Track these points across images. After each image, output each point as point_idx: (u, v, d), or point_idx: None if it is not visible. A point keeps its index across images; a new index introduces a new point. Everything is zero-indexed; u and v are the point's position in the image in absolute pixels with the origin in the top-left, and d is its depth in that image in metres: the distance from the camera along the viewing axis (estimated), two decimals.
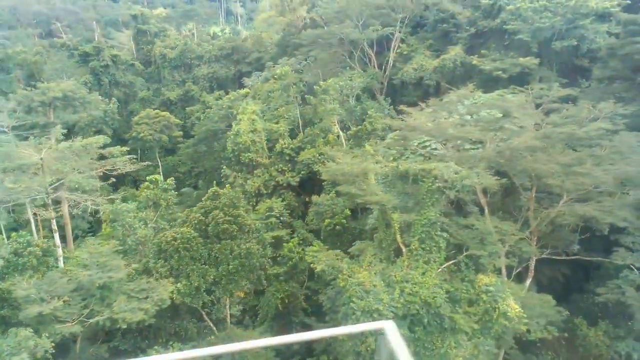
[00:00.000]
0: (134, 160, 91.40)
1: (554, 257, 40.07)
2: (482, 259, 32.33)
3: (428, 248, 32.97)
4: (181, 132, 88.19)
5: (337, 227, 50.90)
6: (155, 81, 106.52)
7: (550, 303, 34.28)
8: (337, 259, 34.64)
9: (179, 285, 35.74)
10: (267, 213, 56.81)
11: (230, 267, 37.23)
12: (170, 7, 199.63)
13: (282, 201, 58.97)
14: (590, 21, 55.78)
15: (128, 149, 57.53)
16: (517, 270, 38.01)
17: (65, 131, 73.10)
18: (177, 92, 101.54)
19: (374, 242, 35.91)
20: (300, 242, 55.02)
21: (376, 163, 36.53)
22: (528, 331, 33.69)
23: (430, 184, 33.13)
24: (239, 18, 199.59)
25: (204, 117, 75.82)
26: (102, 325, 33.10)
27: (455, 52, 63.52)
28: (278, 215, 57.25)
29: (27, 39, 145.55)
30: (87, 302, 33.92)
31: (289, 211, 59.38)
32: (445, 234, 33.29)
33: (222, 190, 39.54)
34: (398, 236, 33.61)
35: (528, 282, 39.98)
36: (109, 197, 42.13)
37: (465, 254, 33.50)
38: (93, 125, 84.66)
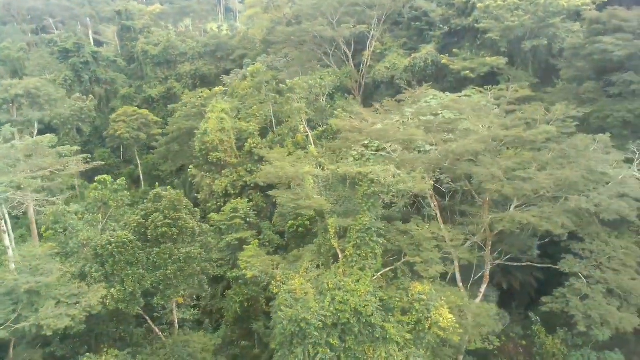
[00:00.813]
0: (112, 156, 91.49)
1: (508, 264, 39.21)
2: (416, 266, 31.24)
3: (364, 254, 31.93)
4: (160, 130, 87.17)
5: (300, 229, 49.84)
6: (138, 78, 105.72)
7: (489, 312, 33.11)
8: (273, 265, 33.60)
9: (112, 290, 34.77)
10: (232, 214, 55.73)
11: (168, 271, 36.25)
12: (168, 3, 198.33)
13: (249, 202, 57.87)
14: (561, 20, 54.42)
15: (79, 148, 56.42)
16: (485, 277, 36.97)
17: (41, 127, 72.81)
18: (159, 90, 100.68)
19: (314, 247, 34.88)
20: (267, 243, 54.12)
21: (319, 166, 35.45)
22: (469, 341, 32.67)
23: (366, 188, 32.05)
24: (238, 14, 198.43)
25: (176, 116, 74.83)
26: (29, 331, 32.16)
27: (426, 51, 62.28)
28: (244, 216, 56.14)
29: (16, 35, 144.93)
30: (16, 307, 33.04)
31: (255, 212, 58.24)
32: (381, 240, 32.24)
33: (164, 193, 38.53)
34: (334, 242, 32.57)
35: (483, 288, 38.95)
36: (53, 198, 40.99)
37: (403, 260, 32.45)
38: (69, 123, 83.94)
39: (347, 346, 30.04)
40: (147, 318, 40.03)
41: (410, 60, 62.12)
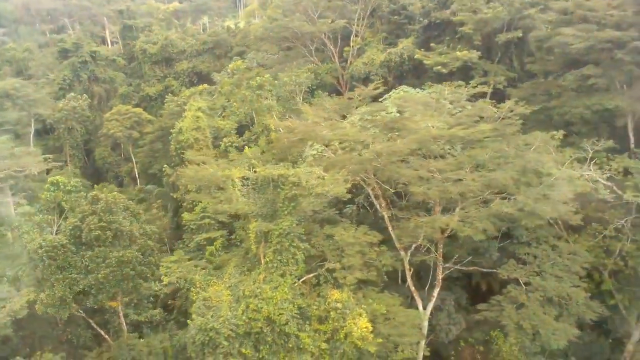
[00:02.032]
0: (112, 154, 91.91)
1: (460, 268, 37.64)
2: (336, 272, 30.00)
3: (285, 260, 30.85)
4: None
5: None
6: (137, 77, 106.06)
7: (414, 319, 31.59)
8: (196, 270, 32.75)
9: (42, 295, 34.44)
10: (202, 214, 55.03)
11: (100, 275, 35.75)
12: (187, 0, 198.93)
13: None
14: (538, 10, 51.94)
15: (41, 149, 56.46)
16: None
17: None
18: (157, 88, 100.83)
19: (242, 252, 33.92)
20: (238, 243, 53.37)
21: (250, 168, 34.42)
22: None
23: (287, 190, 30.91)
24: (255, 11, 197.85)
25: (160, 114, 74.71)
26: None
27: (402, 46, 60.46)
28: (213, 215, 55.37)
29: (29, 36, 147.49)
30: None
31: None
32: (303, 245, 31.08)
33: (101, 195, 38.02)
34: (254, 247, 31.53)
35: (436, 292, 37.48)
36: None
37: (326, 266, 31.25)
38: (62, 122, 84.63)
39: (260, 356, 29.08)
40: (91, 321, 39.68)
41: (385, 56, 60.37)
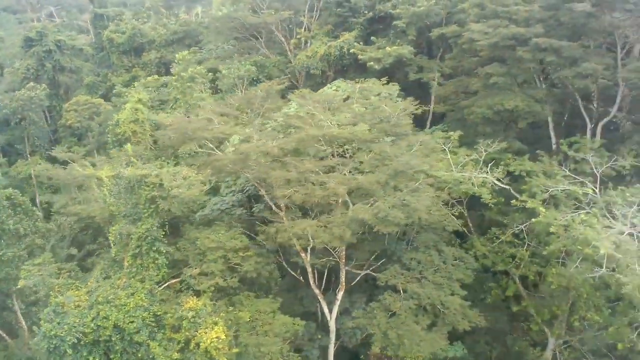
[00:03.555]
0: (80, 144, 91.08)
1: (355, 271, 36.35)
2: (193, 279, 28.80)
3: (145, 264, 29.67)
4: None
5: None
6: (106, 67, 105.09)
7: (281, 327, 30.32)
8: (59, 273, 31.69)
9: None
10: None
11: None
12: None
13: None
14: (469, 5, 50.00)
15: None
16: None
17: None
18: (123, 78, 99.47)
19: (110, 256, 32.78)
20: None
21: (127, 166, 33.22)
22: None
23: (148, 192, 29.70)
24: None
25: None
26: None
27: (343, 39, 58.82)
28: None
29: (8, 24, 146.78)
30: None
31: None
32: (164, 249, 29.88)
33: None
34: (114, 250, 30.39)
35: (339, 295, 36.29)
36: None
37: (188, 272, 30.05)
38: (18, 112, 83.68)
39: None
40: None
41: (325, 49, 58.77)
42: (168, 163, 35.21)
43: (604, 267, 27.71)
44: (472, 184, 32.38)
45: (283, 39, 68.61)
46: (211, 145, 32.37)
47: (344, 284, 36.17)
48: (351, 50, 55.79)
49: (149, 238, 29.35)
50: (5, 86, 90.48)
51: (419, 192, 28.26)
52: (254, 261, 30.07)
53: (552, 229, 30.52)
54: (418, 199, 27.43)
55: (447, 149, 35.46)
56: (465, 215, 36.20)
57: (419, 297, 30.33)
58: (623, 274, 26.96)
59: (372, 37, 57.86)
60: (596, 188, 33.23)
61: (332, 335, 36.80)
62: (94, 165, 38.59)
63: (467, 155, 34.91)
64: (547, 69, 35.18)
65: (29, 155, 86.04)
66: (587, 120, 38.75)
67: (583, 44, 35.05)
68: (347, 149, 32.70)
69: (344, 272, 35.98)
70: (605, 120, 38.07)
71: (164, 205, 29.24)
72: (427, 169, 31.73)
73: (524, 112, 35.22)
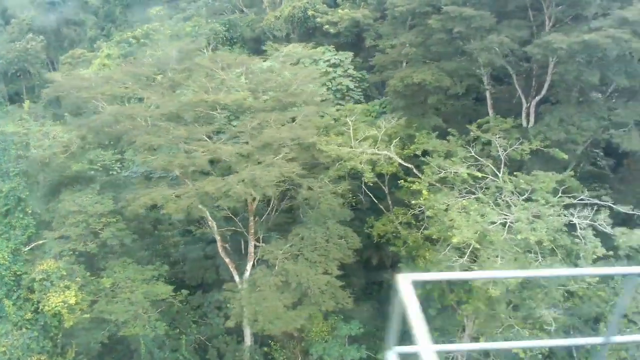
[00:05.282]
0: None
1: None
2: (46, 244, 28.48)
3: (12, 224, 29.48)
4: None
5: None
6: (110, 20, 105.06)
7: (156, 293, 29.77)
8: None
9: None
10: None
11: None
12: None
13: None
14: None
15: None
16: None
17: None
18: (125, 33, 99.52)
19: None
20: None
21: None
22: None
23: (15, 150, 29.33)
24: None
25: None
26: None
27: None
28: None
29: None
30: None
31: None
32: (31, 210, 29.58)
33: None
34: None
35: (248, 265, 35.68)
36: None
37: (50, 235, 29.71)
38: (14, 64, 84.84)
39: None
40: None
41: (290, 10, 56.64)
42: (59, 123, 34.61)
43: (467, 257, 26.03)
44: (361, 162, 30.64)
45: None
46: (99, 104, 31.53)
47: (252, 254, 35.47)
48: (308, 13, 53.55)
49: (14, 197, 29.07)
50: (9, 37, 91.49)
51: (276, 166, 26.73)
52: (115, 228, 29.37)
53: (428, 213, 28.85)
54: (269, 173, 25.99)
55: (350, 122, 33.62)
56: (365, 192, 34.74)
57: (287, 273, 29.18)
58: (482, 266, 25.22)
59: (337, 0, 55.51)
60: (500, 172, 31.15)
61: None
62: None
63: (367, 130, 33.02)
64: (457, 41, 32.48)
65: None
66: (523, 99, 36.15)
67: (504, 15, 32.21)
68: (231, 117, 31.39)
69: (253, 243, 35.30)
70: (537, 99, 35.30)
71: (24, 166, 28.82)
72: (312, 141, 30.20)
73: (433, 87, 32.79)
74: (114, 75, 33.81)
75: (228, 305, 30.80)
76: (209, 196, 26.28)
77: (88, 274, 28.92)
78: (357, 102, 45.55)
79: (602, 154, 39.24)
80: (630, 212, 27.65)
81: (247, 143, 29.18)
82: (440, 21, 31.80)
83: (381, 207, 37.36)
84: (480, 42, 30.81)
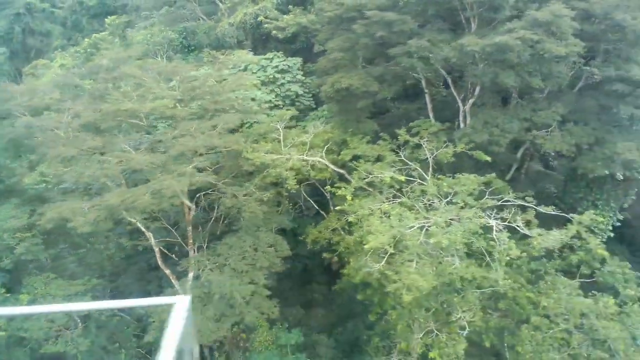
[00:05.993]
0: None
1: None
2: None
3: None
4: None
5: None
6: (77, 30, 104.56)
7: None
8: None
9: None
10: None
11: None
12: None
13: None
14: None
15: None
16: None
17: None
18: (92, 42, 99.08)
19: None
20: None
21: None
22: None
23: None
24: None
25: None
26: None
27: (261, 6, 56.22)
28: None
29: None
30: None
31: None
32: None
33: None
34: None
35: (190, 275, 35.30)
36: None
37: None
38: None
39: None
40: None
41: (241, 16, 56.37)
42: None
43: (384, 262, 25.81)
44: (286, 168, 30.39)
45: (220, 4, 66.28)
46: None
47: (192, 265, 35.11)
48: (259, 19, 53.34)
49: None
50: None
51: (187, 175, 26.40)
52: (29, 243, 28.91)
53: (351, 218, 28.67)
54: (178, 183, 25.64)
55: (280, 129, 33.39)
56: (304, 198, 34.68)
57: (210, 285, 28.85)
58: (397, 271, 25.02)
59: (289, 6, 55.22)
60: (428, 175, 31.02)
61: None
62: None
63: (296, 137, 32.82)
64: (380, 46, 32.32)
65: None
66: (459, 102, 36.08)
67: (428, 21, 32.19)
68: (154, 126, 31.09)
69: (194, 252, 34.99)
70: (470, 102, 35.23)
71: None
72: (236, 149, 30.00)
73: (361, 92, 32.60)
74: (39, 86, 33.34)
75: None
76: (115, 208, 25.83)
77: (3, 290, 28.40)
78: (308, 107, 45.40)
79: (553, 153, 39.40)
80: (552, 212, 27.65)
81: (164, 152, 28.84)
82: (365, 26, 31.67)
83: (323, 213, 37.29)
84: (402, 47, 30.70)
